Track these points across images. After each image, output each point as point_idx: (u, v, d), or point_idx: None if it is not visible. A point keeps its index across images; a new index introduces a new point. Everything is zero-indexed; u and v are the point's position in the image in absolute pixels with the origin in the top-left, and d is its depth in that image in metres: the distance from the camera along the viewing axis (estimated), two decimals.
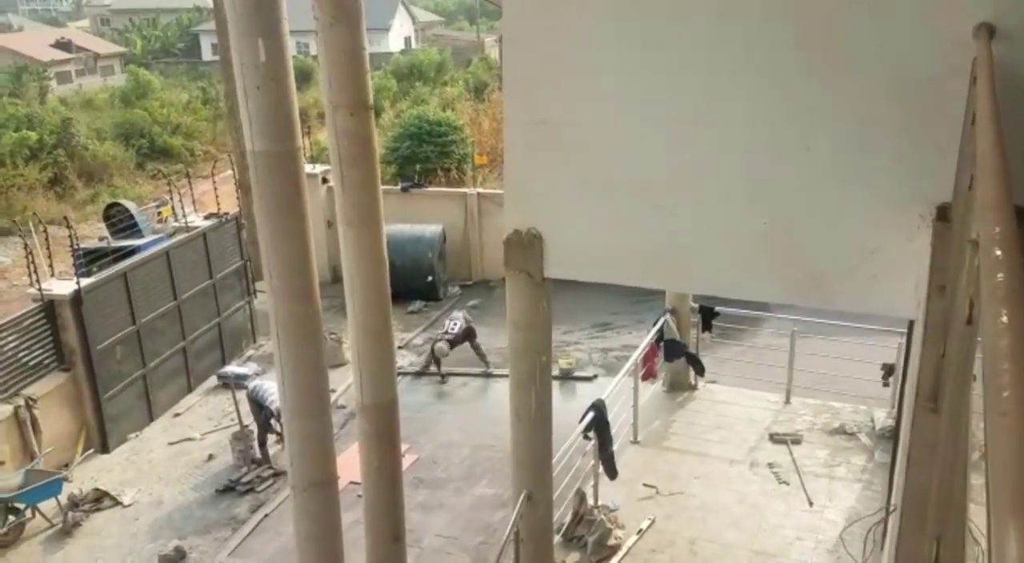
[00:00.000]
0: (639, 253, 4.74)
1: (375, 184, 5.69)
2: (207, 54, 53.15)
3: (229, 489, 10.68)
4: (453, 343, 13.08)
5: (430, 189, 18.90)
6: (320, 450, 5.59)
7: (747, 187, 4.36)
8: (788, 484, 8.52)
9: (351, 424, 10.89)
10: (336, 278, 15.40)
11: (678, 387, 10.51)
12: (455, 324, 13.25)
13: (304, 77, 34.19)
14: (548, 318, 5.34)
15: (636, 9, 4.37)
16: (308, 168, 9.19)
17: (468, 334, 13.22)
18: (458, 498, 10.01)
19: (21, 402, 10.61)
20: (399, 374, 9.52)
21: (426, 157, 22.11)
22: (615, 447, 8.32)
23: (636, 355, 9.52)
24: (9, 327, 10.95)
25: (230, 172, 18.27)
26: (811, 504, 8.16)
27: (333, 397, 9.65)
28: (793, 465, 8.84)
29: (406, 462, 7.85)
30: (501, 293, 17.42)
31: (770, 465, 8.90)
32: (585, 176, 4.70)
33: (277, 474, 10.82)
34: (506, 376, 12.51)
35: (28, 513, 9.94)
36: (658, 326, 10.14)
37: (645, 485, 8.53)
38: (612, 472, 8.19)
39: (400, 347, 13.62)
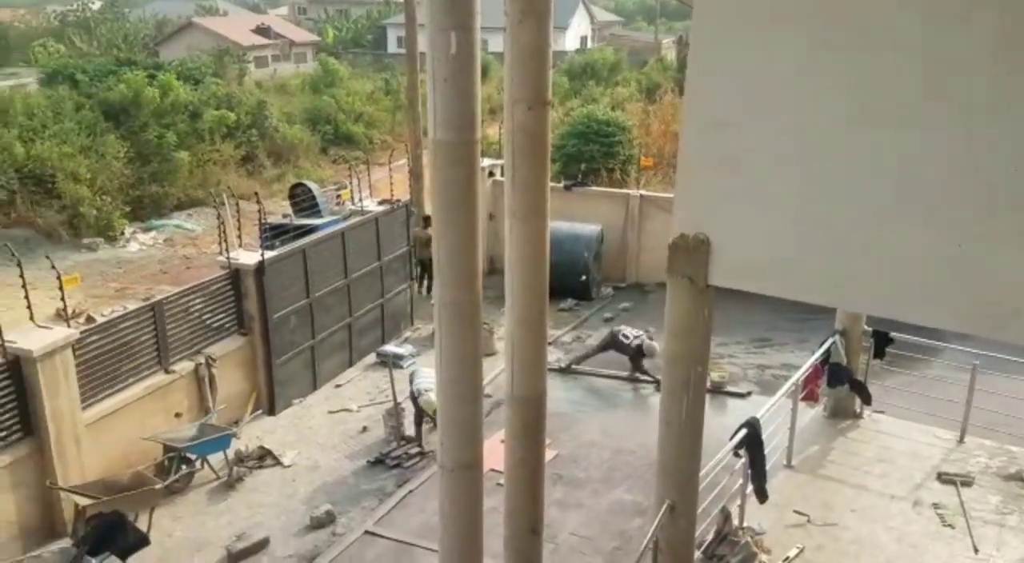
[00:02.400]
0: (813, 267, 4.52)
1: (545, 180, 5.75)
2: (393, 47, 55.61)
3: (379, 462, 11.17)
4: (637, 356, 12.98)
5: (592, 188, 18.88)
6: (469, 434, 5.72)
7: (942, 207, 4.05)
8: (953, 527, 7.91)
9: (495, 413, 11.08)
10: (492, 269, 15.73)
11: (840, 414, 9.97)
12: (635, 332, 13.19)
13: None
14: (708, 327, 5.20)
15: (833, 11, 4.16)
16: None
17: (640, 350, 13.09)
18: (596, 499, 9.97)
19: (202, 360, 11.54)
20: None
21: (591, 156, 22.12)
22: (766, 469, 8.00)
23: (798, 375, 9.10)
24: (198, 291, 11.92)
25: (404, 161, 19.06)
26: (976, 551, 7.54)
27: None
28: (960, 508, 8.19)
29: (547, 457, 7.91)
30: (654, 297, 17.24)
31: (935, 505, 8.28)
32: (761, 182, 4.53)
33: (424, 453, 11.21)
34: (651, 381, 12.45)
35: (198, 464, 10.80)
36: (825, 347, 9.65)
37: (796, 512, 8.15)
38: (763, 494, 7.88)
39: (549, 343, 13.71)
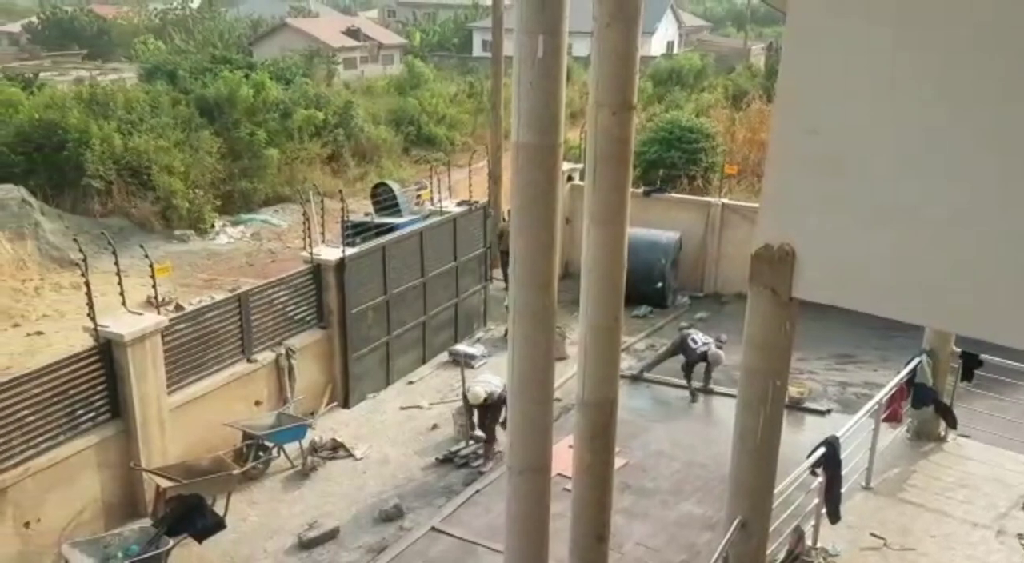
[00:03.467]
0: (904, 283, 4.34)
1: (626, 185, 5.71)
2: (478, 50, 56.10)
3: (448, 460, 11.27)
4: (695, 363, 12.77)
5: (672, 195, 18.62)
6: (539, 437, 5.72)
7: None
8: None
9: (565, 418, 11.06)
10: (567, 274, 15.69)
11: (924, 436, 9.58)
12: (704, 337, 12.97)
13: None
14: (789, 341, 5.06)
15: (930, 13, 3.99)
16: None
17: (704, 357, 12.85)
18: (664, 511, 9.82)
19: (283, 351, 11.84)
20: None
21: (672, 163, 21.86)
22: (843, 489, 7.74)
23: (882, 395, 8.79)
24: (281, 284, 12.25)
25: (484, 163, 19.20)
26: None
27: None
28: None
29: (616, 465, 7.81)
30: (732, 309, 16.90)
31: (1020, 536, 7.88)
32: (852, 194, 4.39)
33: (493, 453, 11.25)
34: (727, 395, 12.21)
35: (275, 452, 11.10)
36: (910, 366, 9.28)
37: (872, 535, 7.87)
38: (835, 515, 7.63)
39: (621, 350, 13.59)
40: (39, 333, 15.88)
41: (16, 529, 8.83)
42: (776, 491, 5.91)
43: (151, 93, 26.34)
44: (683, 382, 12.91)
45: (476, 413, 11.33)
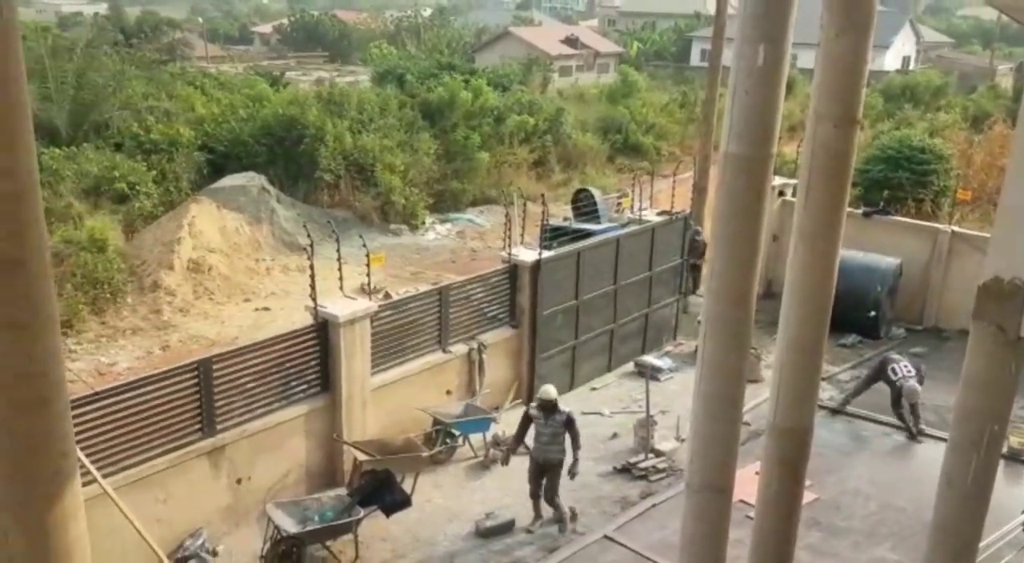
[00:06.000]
0: None
1: (842, 202, 5.40)
2: (696, 60, 55.28)
3: (625, 470, 11.18)
4: (905, 399, 11.84)
5: (895, 218, 17.32)
6: (722, 456, 5.52)
7: None
8: None
9: (751, 443, 10.62)
10: (768, 293, 15.03)
11: None
12: (908, 368, 11.98)
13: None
14: (1013, 383, 4.57)
15: None
16: None
17: (920, 380, 11.87)
18: (855, 553, 9.18)
19: (475, 345, 12.29)
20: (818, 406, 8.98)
21: (899, 184, 20.38)
22: None
23: None
24: (479, 281, 12.73)
25: (690, 174, 18.85)
26: None
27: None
28: None
29: (806, 498, 7.38)
30: (953, 345, 15.50)
31: None
32: None
33: (672, 469, 11.04)
34: (937, 438, 11.19)
35: (460, 441, 11.54)
36: None
37: None
38: None
39: (822, 378, 12.84)
40: (266, 309, 17.50)
41: (229, 484, 9.78)
42: (982, 544, 5.35)
43: (381, 95, 28.21)
44: (889, 419, 11.99)
45: (535, 418, 9.82)
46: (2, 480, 3.42)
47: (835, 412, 12.54)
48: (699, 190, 18.87)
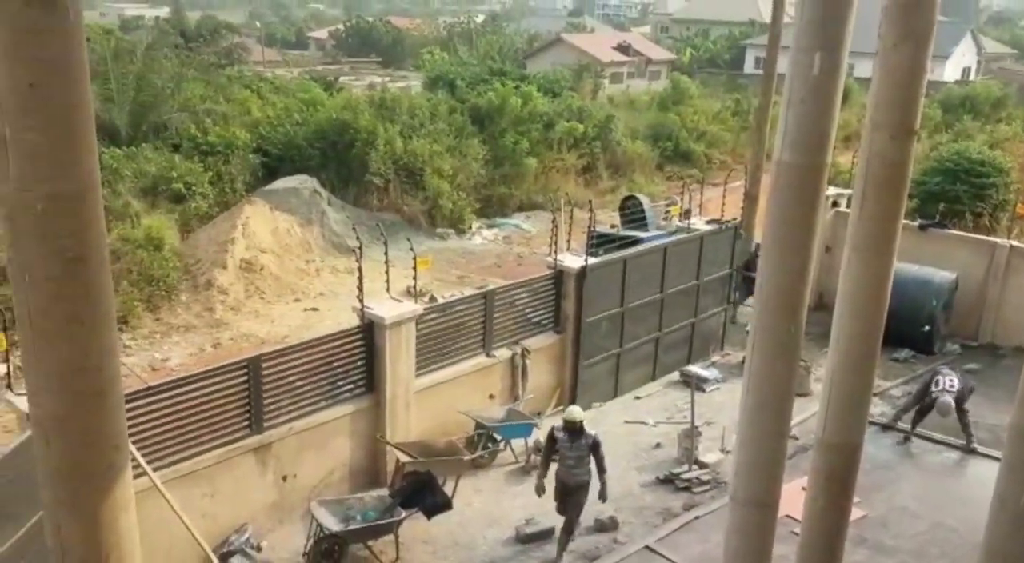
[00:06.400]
0: None
1: (897, 214, 5.27)
2: (750, 67, 54.65)
3: (668, 481, 11.06)
4: (960, 401, 11.50)
5: (952, 232, 16.87)
6: (768, 470, 5.43)
7: None
8: None
9: (798, 457, 10.43)
10: (819, 305, 14.74)
11: None
12: (951, 382, 11.62)
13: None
14: None
15: None
16: None
17: (961, 397, 11.55)
18: None
19: (519, 350, 12.29)
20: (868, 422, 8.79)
21: (956, 197, 19.89)
22: None
23: None
24: (523, 286, 12.75)
25: (741, 182, 18.63)
26: None
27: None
28: None
29: (853, 515, 7.22)
30: (1009, 363, 15.04)
31: None
32: None
33: (716, 481, 10.89)
34: (990, 457, 10.85)
35: (502, 445, 11.54)
36: None
37: None
38: None
39: (874, 393, 12.56)
40: (315, 309, 17.77)
41: (275, 481, 9.93)
42: None
43: (432, 101, 28.48)
44: (941, 436, 11.67)
45: (559, 440, 9.33)
46: (57, 472, 3.51)
47: (886, 428, 12.25)
48: (750, 199, 18.61)
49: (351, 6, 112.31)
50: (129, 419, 6.91)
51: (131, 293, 15.96)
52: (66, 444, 3.47)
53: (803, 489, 6.11)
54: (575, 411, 9.39)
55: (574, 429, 9.18)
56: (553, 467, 9.39)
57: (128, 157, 20.67)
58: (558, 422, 9.40)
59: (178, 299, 17.16)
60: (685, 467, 11.26)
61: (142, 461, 8.08)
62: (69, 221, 3.18)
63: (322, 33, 75.46)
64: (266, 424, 9.70)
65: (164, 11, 77.96)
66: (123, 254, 16.39)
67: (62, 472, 3.51)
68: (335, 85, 32.75)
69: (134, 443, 7.82)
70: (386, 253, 10.87)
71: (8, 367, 9.08)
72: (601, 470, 9.32)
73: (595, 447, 9.25)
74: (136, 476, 7.38)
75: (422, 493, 9.50)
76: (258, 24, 75.03)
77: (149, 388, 8.79)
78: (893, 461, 11.47)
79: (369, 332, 10.52)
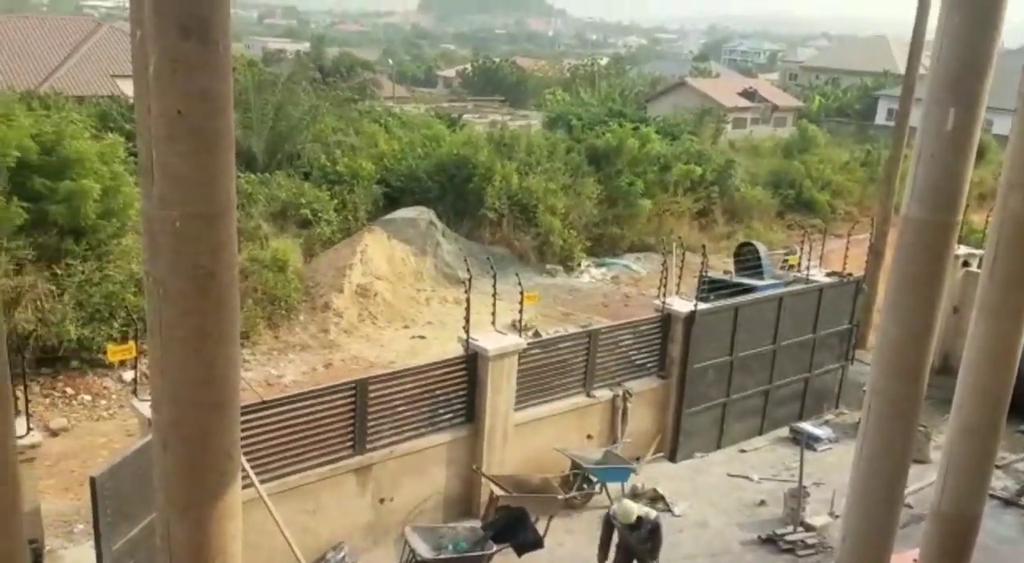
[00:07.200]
0: None
1: None
2: (881, 118, 52.86)
3: (771, 541, 10.62)
4: None
5: None
6: (878, 538, 5.15)
7: None
8: None
9: (911, 527, 9.81)
10: (943, 368, 13.91)
11: None
12: None
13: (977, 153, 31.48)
14: None
15: None
16: None
17: None
18: None
19: (620, 392, 12.15)
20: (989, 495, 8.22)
21: None
22: None
23: None
24: (629, 327, 12.63)
25: (866, 235, 17.94)
26: None
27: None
28: None
29: None
30: None
31: None
32: None
33: (823, 546, 10.37)
34: None
35: (597, 487, 11.36)
36: None
37: None
38: None
39: (996, 465, 11.70)
40: (422, 337, 18.14)
41: (373, 503, 10.13)
42: None
43: (550, 140, 28.83)
44: None
45: (616, 536, 9.11)
46: (171, 476, 3.72)
47: (1008, 503, 11.38)
48: (875, 253, 17.89)
49: (480, 47, 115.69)
50: (242, 431, 7.24)
51: (255, 311, 16.74)
52: (182, 450, 3.67)
53: (915, 561, 5.76)
54: (630, 509, 8.85)
55: (631, 525, 8.84)
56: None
57: (262, 183, 21.82)
58: (615, 507, 9.05)
59: (296, 319, 17.88)
60: (790, 528, 10.79)
61: (251, 472, 8.41)
62: (204, 240, 3.41)
63: (450, 72, 78.04)
64: (368, 445, 9.93)
65: (305, 46, 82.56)
66: (250, 273, 17.24)
67: (176, 476, 3.71)
68: (458, 122, 33.65)
69: (244, 454, 8.15)
70: (494, 286, 11.02)
71: (136, 374, 9.70)
72: (653, 557, 8.92)
73: (654, 531, 8.87)
74: (244, 486, 7.69)
75: (514, 529, 9.46)
76: (391, 62, 78.30)
77: (264, 402, 9.17)
78: (1015, 539, 10.63)
79: (472, 363, 10.65)
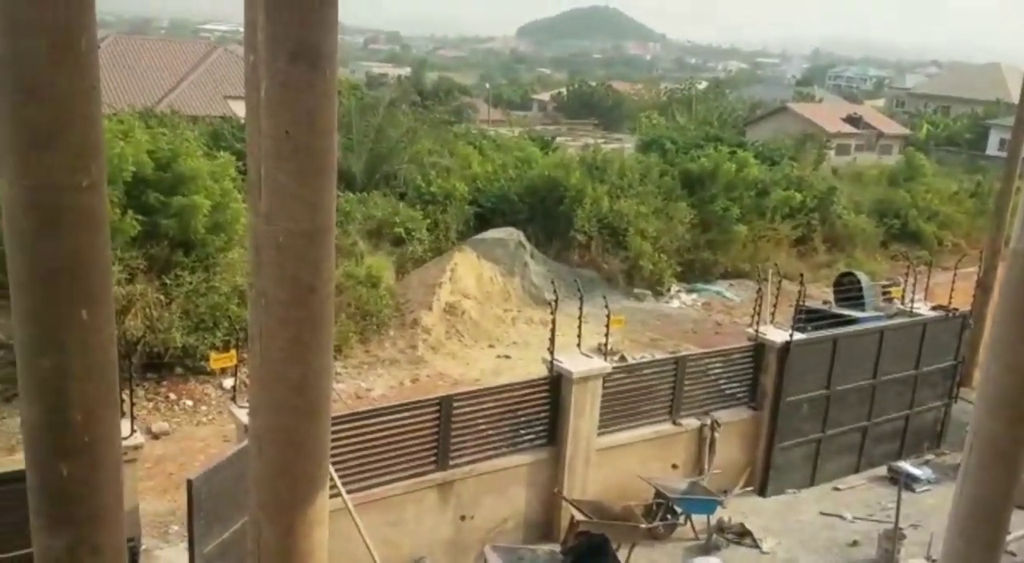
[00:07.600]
0: None
1: None
2: (993, 149, 50.51)
3: None
4: None
5: None
6: None
7: None
8: None
9: None
10: None
11: None
12: None
13: None
14: None
15: None
16: None
17: None
18: None
19: (708, 422, 11.90)
20: None
21: None
22: None
23: None
24: (719, 356, 12.39)
25: (974, 269, 17.12)
26: None
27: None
28: None
29: None
30: None
31: None
32: None
33: None
34: None
35: (681, 519, 11.13)
36: None
37: None
38: None
39: None
40: (507, 356, 18.25)
41: (454, 519, 10.21)
42: None
43: (643, 163, 28.65)
44: None
45: None
46: (264, 480, 3.88)
47: None
48: (983, 288, 17.03)
49: (576, 71, 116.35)
50: (331, 440, 7.46)
51: (348, 325, 17.19)
52: (276, 454, 3.83)
53: None
54: None
55: None
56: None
57: (360, 202, 22.48)
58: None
59: (387, 334, 18.27)
60: None
61: (338, 481, 8.62)
62: (305, 255, 3.57)
63: (545, 96, 78.75)
64: (451, 462, 10.04)
65: (406, 70, 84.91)
66: (345, 289, 17.73)
67: (269, 481, 3.87)
68: (551, 144, 33.86)
69: (332, 463, 8.37)
70: (581, 308, 11.00)
71: (235, 381, 10.11)
72: None
73: None
74: (331, 496, 7.90)
75: (595, 556, 9.37)
76: (487, 86, 79.53)
77: (353, 414, 9.41)
78: None
79: (556, 384, 10.65)
